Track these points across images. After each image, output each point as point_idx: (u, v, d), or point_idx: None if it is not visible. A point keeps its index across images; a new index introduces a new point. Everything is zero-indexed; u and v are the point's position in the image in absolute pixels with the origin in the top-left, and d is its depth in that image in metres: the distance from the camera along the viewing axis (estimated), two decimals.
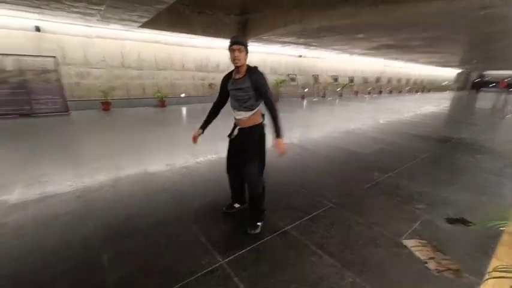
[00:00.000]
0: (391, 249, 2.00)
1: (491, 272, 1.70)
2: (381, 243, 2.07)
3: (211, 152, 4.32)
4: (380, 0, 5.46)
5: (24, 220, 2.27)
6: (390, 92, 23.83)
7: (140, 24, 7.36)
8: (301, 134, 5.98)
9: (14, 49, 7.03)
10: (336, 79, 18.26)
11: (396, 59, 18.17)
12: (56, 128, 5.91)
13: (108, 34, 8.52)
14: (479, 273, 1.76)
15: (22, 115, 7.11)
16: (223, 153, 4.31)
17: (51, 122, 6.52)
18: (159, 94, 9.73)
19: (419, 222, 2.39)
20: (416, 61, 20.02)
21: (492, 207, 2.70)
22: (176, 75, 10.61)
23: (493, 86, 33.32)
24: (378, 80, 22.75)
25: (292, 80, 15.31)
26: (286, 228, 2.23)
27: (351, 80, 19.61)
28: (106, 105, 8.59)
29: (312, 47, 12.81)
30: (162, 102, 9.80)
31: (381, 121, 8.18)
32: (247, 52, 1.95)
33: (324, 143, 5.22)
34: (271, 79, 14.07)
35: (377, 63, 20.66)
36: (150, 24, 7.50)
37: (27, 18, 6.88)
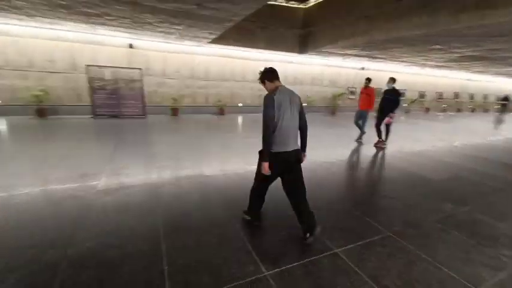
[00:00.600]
0: None
1: None
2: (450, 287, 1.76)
3: None
4: (465, 7, 4.82)
5: (106, 205, 2.73)
6: (472, 110, 20.33)
7: (210, 40, 8.18)
8: (356, 151, 5.61)
9: (112, 62, 8.69)
10: (402, 93, 16.56)
11: (482, 72, 15.48)
12: (135, 129, 6.97)
13: (182, 49, 9.72)
14: None
15: (112, 116, 8.64)
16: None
17: (132, 124, 7.73)
18: (219, 103, 10.52)
19: (505, 270, 1.95)
20: (509, 75, 16.65)
21: None
22: (237, 86, 11.33)
23: None
24: (456, 95, 19.72)
25: (352, 93, 14.57)
26: (335, 250, 2.11)
27: (421, 95, 17.51)
28: (175, 111, 9.73)
29: (377, 59, 12.01)
30: (221, 110, 10.56)
31: (457, 144, 7.03)
32: (264, 83, 2.32)
33: (384, 164, 4.78)
34: (328, 92, 13.69)
35: (455, 76, 17.97)
36: (219, 40, 8.27)
37: (123, 38, 8.43)
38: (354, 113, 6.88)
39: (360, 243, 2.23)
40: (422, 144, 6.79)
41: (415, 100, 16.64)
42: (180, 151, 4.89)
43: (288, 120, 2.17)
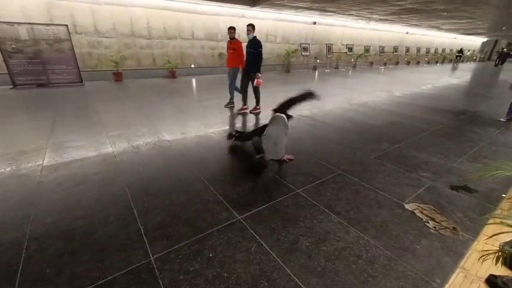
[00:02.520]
0: (393, 210, 2.16)
1: (487, 223, 1.85)
2: (385, 205, 2.23)
3: (223, 123, 4.45)
4: None
5: (60, 179, 2.54)
6: (408, 63, 22.61)
7: None
8: (313, 106, 5.97)
9: (27, 17, 7.03)
10: (350, 49, 17.37)
11: (418, 25, 16.90)
12: (72, 98, 6.12)
13: (117, 0, 8.29)
14: (474, 232, 1.91)
15: (39, 85, 7.34)
16: (236, 124, 4.43)
17: (68, 93, 6.73)
18: (169, 65, 9.67)
19: (423, 188, 2.52)
20: (439, 28, 18.56)
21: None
22: (185, 44, 10.40)
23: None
24: (395, 49, 21.47)
25: (305, 49, 14.69)
26: (297, 191, 2.41)
27: (367, 50, 18.60)
28: (118, 76, 8.68)
29: (327, 13, 12.06)
30: (172, 73, 9.78)
31: (396, 93, 7.97)
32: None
33: (335, 115, 5.24)
34: (282, 49, 13.56)
35: (396, 31, 19.33)
36: None
37: None
38: (306, 71, 7.06)
39: (316, 182, 2.58)
40: (367, 95, 7.50)
41: (361, 55, 17.66)
42: (132, 119, 4.56)
43: None
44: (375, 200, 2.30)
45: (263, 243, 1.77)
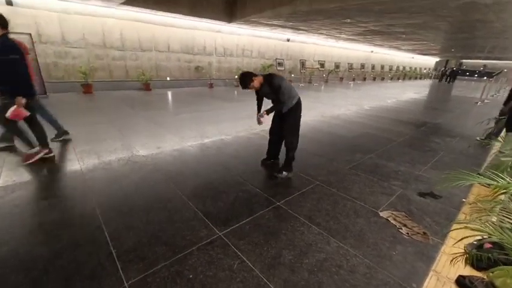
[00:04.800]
0: (370, 218, 2.25)
1: (451, 230, 2.00)
2: (362, 214, 2.32)
3: (201, 136, 4.39)
4: None
5: (18, 200, 2.29)
6: (374, 78, 24.39)
7: (122, 0, 6.99)
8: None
9: None
10: (322, 65, 18.39)
11: (381, 45, 18.48)
12: None
13: (87, 10, 8.01)
14: (442, 236, 2.05)
15: None
16: (213, 137, 4.41)
17: None
18: (143, 77, 9.42)
19: (395, 196, 2.67)
20: (399, 48, 20.46)
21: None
22: (161, 57, 10.26)
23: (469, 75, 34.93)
24: (362, 66, 23.13)
25: (280, 64, 15.25)
26: (278, 203, 2.42)
27: (337, 66, 19.81)
28: (87, 88, 8.24)
29: (300, 31, 12.73)
30: (146, 86, 9.52)
31: (365, 107, 8.50)
32: (252, 82, 2.65)
33: (310, 127, 5.43)
34: (258, 63, 13.96)
35: (362, 49, 20.92)
36: (134, 1, 7.15)
37: None
38: None
39: (296, 194, 2.61)
40: (339, 108, 7.91)
41: (332, 71, 18.75)
42: (103, 133, 4.32)
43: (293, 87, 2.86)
44: (352, 209, 2.38)
45: (245, 259, 1.73)
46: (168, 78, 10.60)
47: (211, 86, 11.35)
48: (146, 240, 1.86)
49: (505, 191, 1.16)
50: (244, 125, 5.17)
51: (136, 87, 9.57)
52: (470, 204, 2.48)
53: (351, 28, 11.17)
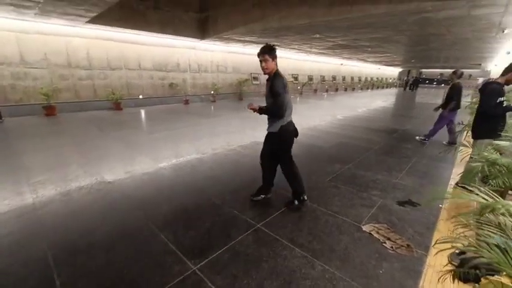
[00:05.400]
0: (353, 234, 2.17)
1: (434, 245, 1.96)
2: (345, 230, 2.23)
3: (175, 156, 4.16)
4: (334, 2, 5.84)
5: None
6: (345, 89, 25.62)
7: (88, 19, 6.71)
8: (266, 132, 6.09)
9: None
10: (296, 78, 18.99)
11: (349, 58, 19.60)
12: None
13: (50, 30, 7.58)
14: (425, 247, 2.01)
15: None
16: (188, 156, 4.20)
17: None
18: (113, 96, 8.99)
19: (375, 207, 2.63)
20: (366, 60, 21.84)
21: (432, 188, 3.11)
22: (132, 75, 9.92)
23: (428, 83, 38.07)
24: (334, 78, 24.25)
25: (255, 79, 15.48)
26: (258, 225, 2.26)
27: (310, 79, 20.57)
28: (49, 110, 7.65)
29: None
30: (117, 105, 9.08)
31: (339, 117, 8.76)
32: (273, 58, 2.19)
33: None
34: (233, 78, 14.05)
35: (333, 62, 22.02)
36: (101, 19, 6.91)
37: None
38: (258, 99, 7.32)
39: (276, 214, 2.48)
40: (314, 119, 8.06)
41: (306, 83, 19.40)
42: (64, 158, 3.93)
43: (290, 101, 2.40)
44: (335, 226, 2.29)
45: None
46: (140, 96, 10.23)
47: (186, 102, 11.14)
48: (108, 285, 1.60)
49: (491, 209, 1.12)
50: (221, 142, 5.02)
51: (106, 107, 9.09)
52: (451, 218, 2.48)
53: (320, 43, 11.71)
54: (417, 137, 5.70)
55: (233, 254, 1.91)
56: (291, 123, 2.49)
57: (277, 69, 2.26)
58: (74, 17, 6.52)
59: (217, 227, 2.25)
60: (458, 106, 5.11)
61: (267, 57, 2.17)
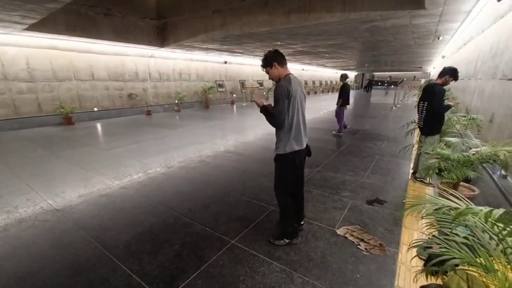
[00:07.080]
0: (329, 239, 2.16)
1: (407, 250, 2.04)
2: (320, 236, 2.22)
3: (137, 172, 3.83)
4: (291, 10, 6.04)
5: None
6: (308, 93, 26.80)
7: (26, 26, 5.97)
8: (236, 140, 6.00)
9: None
10: (261, 84, 19.30)
11: (310, 64, 20.60)
12: None
13: None
14: (396, 244, 2.09)
15: None
16: (152, 171, 3.90)
17: None
18: (62, 110, 8.10)
19: (347, 209, 2.69)
20: (325, 66, 23.19)
21: (395, 184, 3.30)
22: (84, 86, 9.07)
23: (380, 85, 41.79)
24: None
25: (220, 86, 15.34)
26: (232, 242, 2.13)
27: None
28: None
29: (236, 54, 13.14)
30: (67, 119, 8.19)
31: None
32: (271, 67, 1.96)
33: (257, 146, 5.37)
34: (198, 86, 13.73)
35: (295, 68, 22.92)
36: (43, 26, 6.21)
37: None
38: (225, 106, 7.22)
39: (251, 226, 2.38)
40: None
41: (271, 88, 19.84)
42: (2, 185, 3.36)
43: (301, 115, 2.06)
44: (311, 233, 2.27)
45: None
46: (95, 109, 9.38)
47: (149, 113, 10.52)
48: None
49: (463, 215, 1.17)
50: (188, 153, 4.78)
51: (54, 122, 8.13)
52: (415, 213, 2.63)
53: (281, 49, 12.04)
54: (333, 132, 6.67)
55: (207, 278, 1.75)
56: (294, 150, 2.09)
57: (286, 75, 2.01)
58: (7, 23, 5.74)
59: (188, 248, 2.07)
60: (347, 102, 6.42)
61: (268, 69, 2.02)
